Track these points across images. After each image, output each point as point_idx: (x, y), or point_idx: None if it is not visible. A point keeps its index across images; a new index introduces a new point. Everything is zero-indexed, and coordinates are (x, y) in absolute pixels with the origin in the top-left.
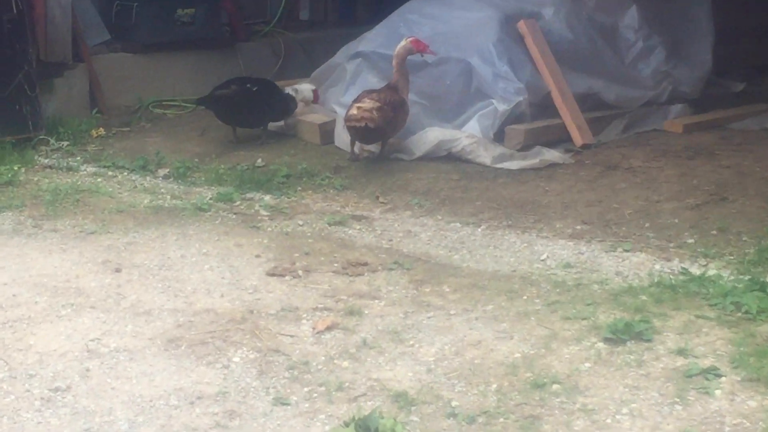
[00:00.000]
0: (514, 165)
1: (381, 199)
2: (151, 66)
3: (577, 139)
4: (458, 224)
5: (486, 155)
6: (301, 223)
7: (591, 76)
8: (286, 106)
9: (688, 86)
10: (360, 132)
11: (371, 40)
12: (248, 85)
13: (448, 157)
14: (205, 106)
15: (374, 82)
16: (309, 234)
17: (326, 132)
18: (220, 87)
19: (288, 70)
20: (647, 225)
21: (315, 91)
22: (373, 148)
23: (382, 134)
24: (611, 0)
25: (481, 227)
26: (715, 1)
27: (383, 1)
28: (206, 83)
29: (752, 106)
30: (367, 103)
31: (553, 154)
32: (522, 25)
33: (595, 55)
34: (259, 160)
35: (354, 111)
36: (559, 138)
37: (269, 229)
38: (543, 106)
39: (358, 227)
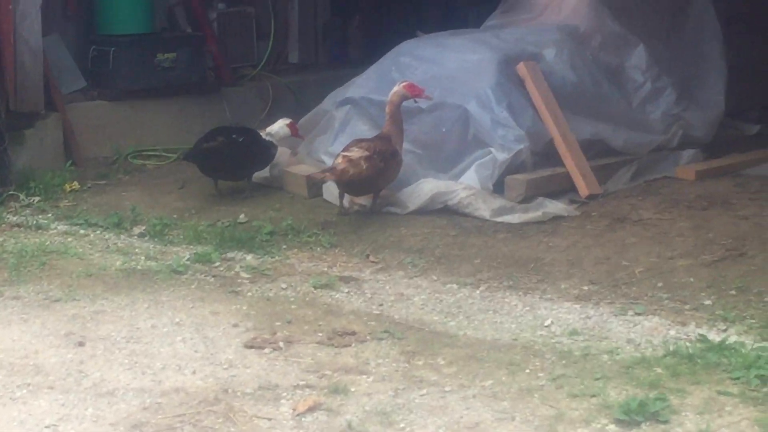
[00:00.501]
0: (515, 218)
1: (372, 258)
2: (130, 114)
3: (583, 190)
4: (455, 285)
5: (485, 208)
6: (284, 286)
7: (596, 120)
8: (268, 154)
9: (700, 130)
10: (347, 184)
11: (361, 86)
12: (234, 136)
13: (444, 211)
14: (190, 161)
15: (365, 130)
16: (292, 299)
17: (314, 184)
18: (205, 139)
19: (276, 115)
20: (660, 285)
21: (291, 124)
22: (364, 201)
23: (372, 186)
24: (617, 39)
25: (480, 288)
26: (728, 38)
27: (376, 41)
28: (189, 131)
29: None
30: (355, 153)
31: (556, 207)
32: (522, 68)
33: (600, 98)
34: (242, 216)
35: (340, 161)
36: (563, 188)
37: (249, 293)
38: (545, 154)
39: (346, 290)
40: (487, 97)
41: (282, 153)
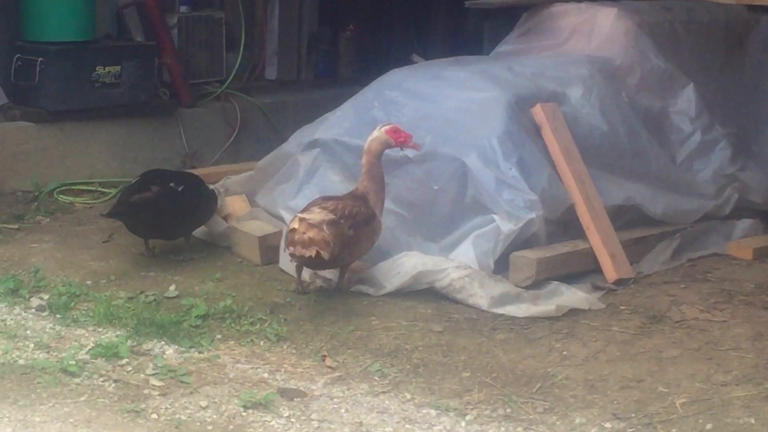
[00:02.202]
0: (520, 311)
1: (328, 362)
2: (61, 139)
3: (611, 273)
4: (433, 411)
5: (482, 295)
6: (204, 403)
7: (631, 181)
8: (211, 206)
9: (760, 194)
10: (304, 259)
11: (334, 124)
12: (172, 185)
13: (429, 293)
14: (116, 218)
15: (336, 181)
16: (211, 427)
17: (268, 247)
18: (134, 189)
19: (245, 143)
20: (709, 427)
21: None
22: (329, 274)
23: (337, 259)
24: (660, 77)
25: (467, 418)
26: None
27: (373, 57)
28: (135, 161)
29: None
30: (316, 215)
31: (575, 297)
32: (539, 111)
33: (636, 152)
34: (172, 288)
35: (296, 226)
36: (584, 268)
37: (155, 415)
38: (563, 224)
39: (286, 414)
40: (492, 149)
41: (232, 203)
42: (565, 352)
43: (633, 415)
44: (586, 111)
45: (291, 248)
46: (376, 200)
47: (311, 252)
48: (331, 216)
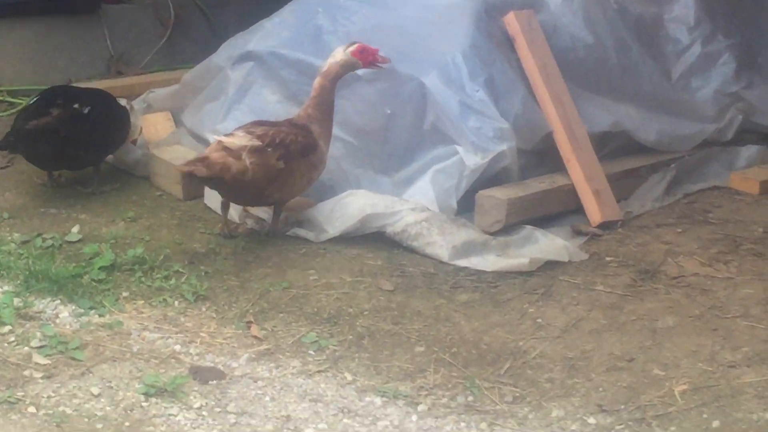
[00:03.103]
0: (487, 264)
1: (254, 330)
2: None
3: (595, 214)
4: (378, 399)
5: (442, 244)
6: (97, 390)
7: (619, 102)
8: (124, 129)
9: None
10: (223, 187)
11: (271, 34)
12: (76, 105)
13: (380, 239)
14: (10, 151)
15: (272, 101)
16: (101, 424)
17: (192, 181)
18: (31, 113)
19: (180, 45)
20: (716, 425)
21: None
22: (263, 213)
23: (264, 195)
24: None
25: (420, 407)
26: None
27: None
28: (51, 66)
29: None
30: (237, 139)
31: (553, 245)
32: (512, 21)
33: (626, 69)
34: (75, 230)
35: (214, 149)
36: (563, 209)
37: (33, 407)
38: (539, 155)
39: (197, 404)
40: (456, 67)
41: (154, 121)
42: (540, 320)
43: (622, 406)
44: (567, 20)
45: (205, 175)
46: (321, 132)
47: (232, 180)
48: (256, 142)
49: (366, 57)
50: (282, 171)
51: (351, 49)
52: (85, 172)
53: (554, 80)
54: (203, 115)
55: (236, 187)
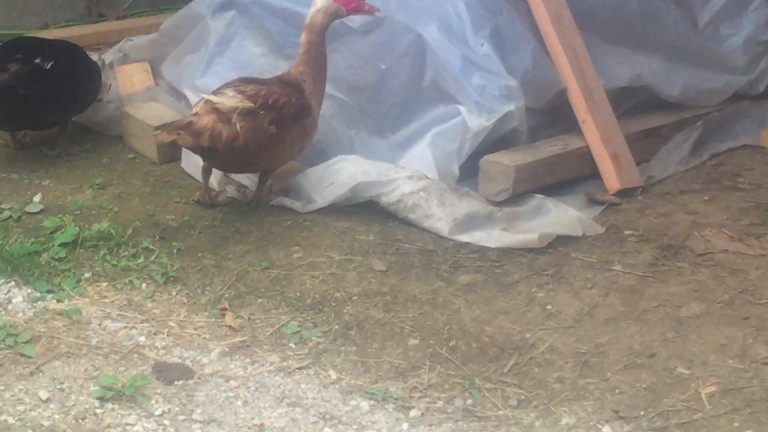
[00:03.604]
0: (491, 240)
1: (229, 319)
2: None
3: (612, 181)
4: (365, 403)
5: (441, 216)
6: (46, 394)
7: (640, 54)
8: (93, 86)
9: None
10: (205, 154)
11: None
12: (38, 60)
13: (373, 209)
14: None
15: (257, 54)
16: None
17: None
18: None
19: None
20: None
21: None
22: (246, 180)
23: (254, 162)
24: None
25: (412, 413)
26: None
27: None
28: (26, 9)
29: None
30: (228, 100)
31: (565, 217)
32: None
33: (648, 16)
34: (37, 198)
35: (201, 111)
36: (577, 174)
37: None
38: (551, 114)
39: (159, 411)
40: (458, 17)
41: (130, 73)
42: (549, 306)
43: (641, 412)
44: None
45: (192, 143)
46: (313, 90)
47: (223, 147)
48: (247, 104)
49: (349, 3)
50: (273, 136)
51: None
52: (51, 131)
53: (568, 30)
54: (182, 67)
55: (224, 154)
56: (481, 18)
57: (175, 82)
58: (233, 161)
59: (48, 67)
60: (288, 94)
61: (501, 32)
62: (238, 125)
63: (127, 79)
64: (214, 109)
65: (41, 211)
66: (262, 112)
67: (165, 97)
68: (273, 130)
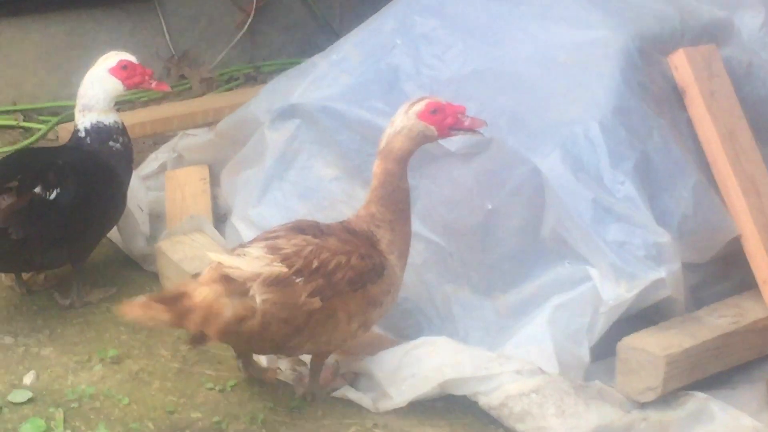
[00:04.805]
0: None
1: None
2: None
3: None
4: None
5: (561, 430)
6: None
7: None
8: (115, 213)
9: None
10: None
11: (324, 79)
12: (37, 189)
13: (469, 408)
14: None
15: (327, 178)
16: None
17: None
18: None
19: (266, 38)
20: None
21: (120, 66)
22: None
23: (283, 345)
24: None
25: None
26: None
27: None
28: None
29: None
30: (247, 265)
31: (738, 429)
32: (681, 62)
33: None
34: (28, 380)
35: (206, 279)
36: (756, 354)
37: None
38: (721, 266)
39: None
40: (591, 143)
41: (184, 179)
42: None
43: None
44: None
45: (192, 327)
46: (392, 240)
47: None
48: (277, 268)
49: (442, 120)
50: (316, 313)
51: (417, 108)
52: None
53: (746, 155)
54: (238, 186)
55: (239, 338)
56: (623, 144)
57: (231, 200)
58: (256, 345)
59: (51, 197)
60: (348, 251)
61: (650, 163)
62: (258, 298)
63: (178, 190)
64: (224, 277)
65: (29, 400)
66: (299, 280)
67: (210, 230)
68: (316, 304)
